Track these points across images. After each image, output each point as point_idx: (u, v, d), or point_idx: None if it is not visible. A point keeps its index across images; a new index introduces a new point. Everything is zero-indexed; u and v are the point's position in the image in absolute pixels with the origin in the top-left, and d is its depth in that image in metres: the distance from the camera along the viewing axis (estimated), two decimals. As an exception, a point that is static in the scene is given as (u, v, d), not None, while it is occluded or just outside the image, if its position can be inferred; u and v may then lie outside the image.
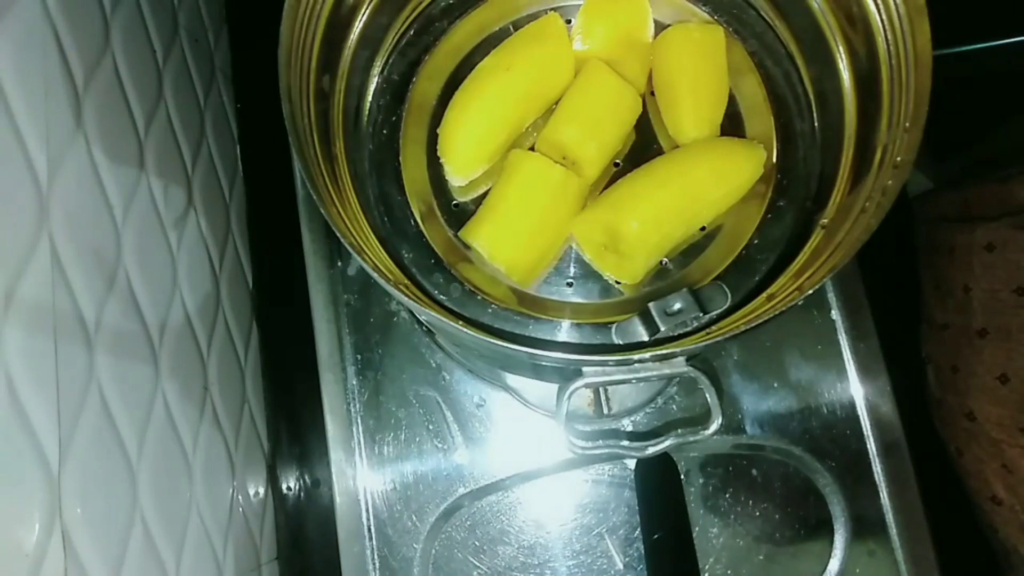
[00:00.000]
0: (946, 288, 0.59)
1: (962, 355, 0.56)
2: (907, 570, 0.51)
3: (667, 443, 0.36)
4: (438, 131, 0.40)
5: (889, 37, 0.34)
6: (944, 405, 0.58)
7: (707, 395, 0.35)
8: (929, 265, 0.62)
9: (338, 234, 0.31)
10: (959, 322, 0.57)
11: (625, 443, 0.37)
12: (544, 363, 0.32)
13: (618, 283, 0.38)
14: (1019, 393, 0.51)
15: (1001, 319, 0.53)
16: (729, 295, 0.36)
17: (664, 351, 0.31)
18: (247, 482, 0.54)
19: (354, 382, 0.53)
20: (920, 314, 0.64)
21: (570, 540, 0.51)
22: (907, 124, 0.32)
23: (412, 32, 0.42)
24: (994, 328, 0.53)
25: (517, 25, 0.43)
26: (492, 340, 0.31)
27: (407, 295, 0.32)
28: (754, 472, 0.52)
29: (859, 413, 0.52)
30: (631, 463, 0.52)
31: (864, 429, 0.52)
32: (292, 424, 0.60)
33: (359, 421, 0.52)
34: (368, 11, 0.40)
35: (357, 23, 0.39)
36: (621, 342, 0.35)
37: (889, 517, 0.51)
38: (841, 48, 0.38)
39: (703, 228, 0.39)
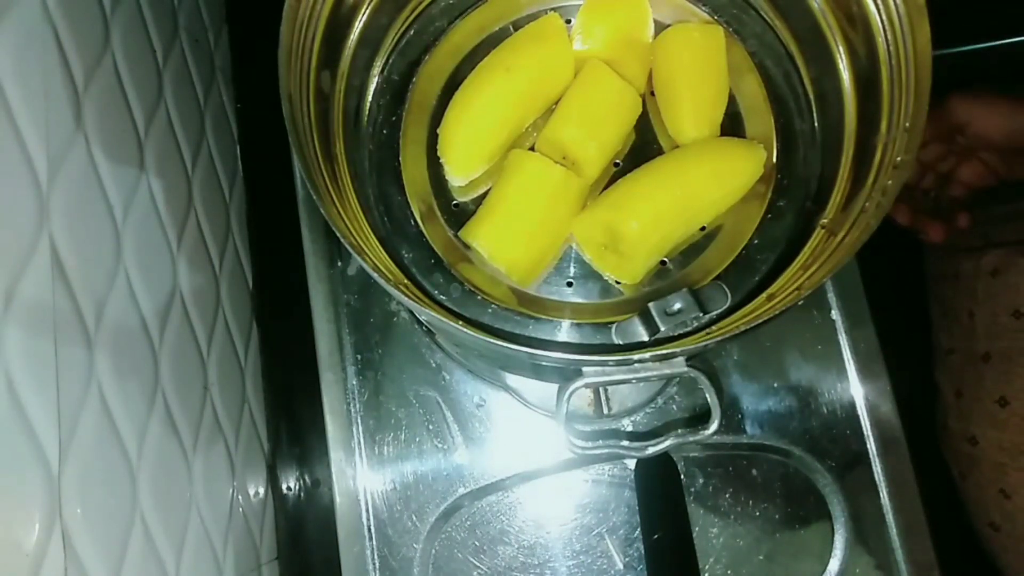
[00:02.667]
0: (952, 315, 0.59)
1: (966, 380, 0.56)
2: (907, 570, 0.51)
3: (667, 443, 0.36)
4: (438, 131, 0.40)
5: (889, 37, 0.34)
6: (948, 430, 0.58)
7: (707, 395, 0.35)
8: (937, 292, 0.63)
9: (338, 234, 0.31)
10: (964, 348, 0.57)
11: (625, 443, 0.37)
12: (544, 363, 0.32)
13: (618, 283, 0.38)
14: (1019, 415, 0.51)
15: (1001, 343, 0.53)
16: (729, 295, 0.36)
17: (664, 351, 0.31)
18: (247, 482, 0.54)
19: (354, 382, 0.53)
20: (917, 314, 0.64)
21: (570, 540, 0.51)
22: (907, 124, 0.32)
23: (412, 32, 0.42)
24: (996, 352, 0.54)
25: (517, 25, 0.43)
26: (492, 340, 0.31)
27: (407, 295, 0.32)
28: (754, 472, 0.52)
29: (859, 413, 0.52)
30: (631, 463, 0.52)
31: (864, 429, 0.52)
32: (292, 424, 0.60)
33: (359, 421, 0.52)
34: (368, 11, 0.40)
35: (357, 23, 0.39)
36: (621, 342, 0.35)
37: (889, 517, 0.51)
38: (841, 48, 0.38)
39: (703, 228, 0.39)
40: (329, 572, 0.52)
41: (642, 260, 0.37)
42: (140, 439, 0.40)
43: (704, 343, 0.32)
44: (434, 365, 0.53)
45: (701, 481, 0.52)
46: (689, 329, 0.35)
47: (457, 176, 0.39)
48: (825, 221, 0.36)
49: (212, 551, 0.46)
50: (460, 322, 0.33)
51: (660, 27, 0.41)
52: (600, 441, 0.36)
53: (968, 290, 0.57)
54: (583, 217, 0.38)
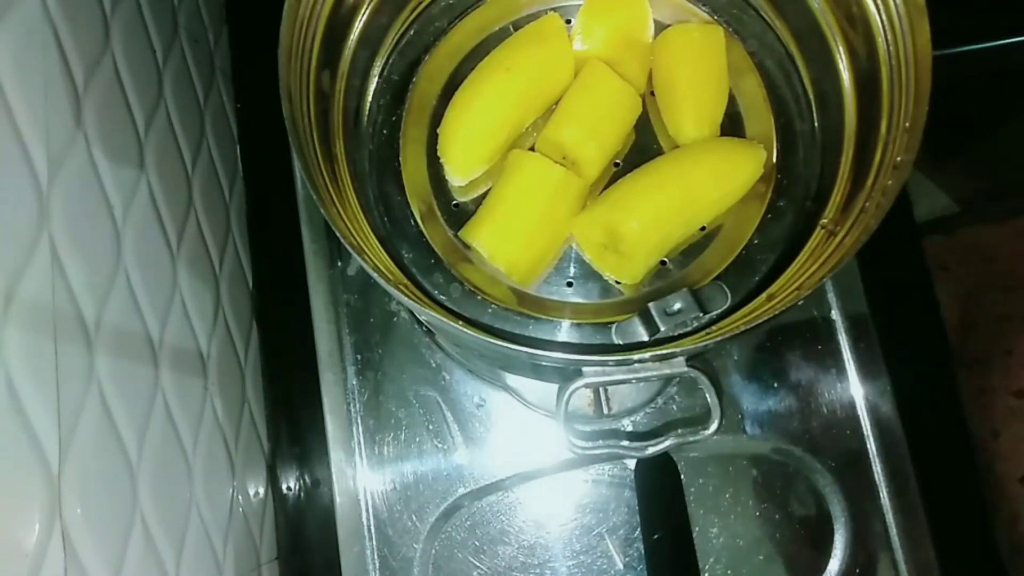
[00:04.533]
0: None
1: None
2: (907, 570, 0.51)
3: (667, 443, 0.36)
4: (438, 131, 0.40)
5: (889, 37, 0.34)
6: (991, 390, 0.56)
7: (707, 395, 0.35)
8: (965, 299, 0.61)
9: (338, 234, 0.31)
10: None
11: (625, 443, 0.37)
12: (544, 363, 0.32)
13: (618, 283, 0.38)
14: None
15: None
16: (729, 295, 0.36)
17: (664, 351, 0.31)
18: (247, 482, 0.54)
19: (354, 382, 0.53)
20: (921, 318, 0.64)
21: (570, 540, 0.51)
22: (907, 124, 0.32)
23: (412, 32, 0.42)
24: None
25: (517, 25, 0.43)
26: (492, 340, 0.31)
27: (407, 295, 0.32)
28: (754, 472, 0.52)
29: (859, 413, 0.52)
30: (631, 463, 0.52)
31: (864, 429, 0.52)
32: (292, 424, 0.60)
33: (359, 421, 0.52)
34: (368, 11, 0.40)
35: (357, 23, 0.39)
36: (621, 342, 0.35)
37: (889, 517, 0.51)
38: (841, 48, 0.38)
39: (703, 228, 0.39)
40: (329, 572, 0.52)
41: (642, 260, 0.37)
42: (140, 439, 0.40)
43: (704, 343, 0.32)
44: (434, 365, 0.53)
45: (701, 481, 0.52)
46: (689, 329, 0.35)
47: (457, 176, 0.39)
48: (825, 221, 0.36)
49: (212, 551, 0.46)
50: (460, 322, 0.33)
51: (660, 27, 0.41)
52: (600, 441, 0.36)
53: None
54: (583, 217, 0.38)
